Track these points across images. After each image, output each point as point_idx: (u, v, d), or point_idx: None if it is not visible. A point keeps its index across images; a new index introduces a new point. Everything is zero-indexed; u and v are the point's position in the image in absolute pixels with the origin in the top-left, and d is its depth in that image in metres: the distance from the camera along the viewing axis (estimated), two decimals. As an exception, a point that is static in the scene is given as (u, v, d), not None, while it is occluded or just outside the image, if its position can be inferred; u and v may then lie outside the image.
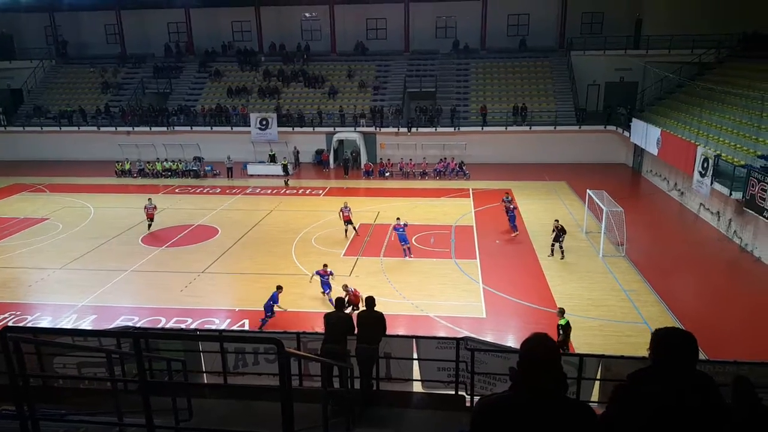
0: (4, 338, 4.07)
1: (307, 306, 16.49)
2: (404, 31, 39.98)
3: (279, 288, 15.39)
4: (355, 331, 8.48)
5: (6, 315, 16.08)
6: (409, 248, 20.11)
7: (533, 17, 39.52)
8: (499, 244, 21.10)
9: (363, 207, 26.40)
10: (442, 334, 14.61)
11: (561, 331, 12.73)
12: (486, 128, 34.66)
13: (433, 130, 35.01)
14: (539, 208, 25.80)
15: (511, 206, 22.76)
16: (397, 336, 9.37)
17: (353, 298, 15.52)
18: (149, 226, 23.19)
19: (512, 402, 2.77)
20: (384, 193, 29.57)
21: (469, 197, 28.17)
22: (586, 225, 22.60)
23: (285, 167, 32.43)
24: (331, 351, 7.96)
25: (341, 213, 22.25)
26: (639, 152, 32.00)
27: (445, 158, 33.39)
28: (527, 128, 34.26)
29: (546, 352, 2.77)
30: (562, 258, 19.75)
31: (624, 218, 19.85)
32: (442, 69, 39.05)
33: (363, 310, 8.76)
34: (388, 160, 34.20)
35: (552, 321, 15.08)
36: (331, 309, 9.58)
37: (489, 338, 14.12)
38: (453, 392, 8.34)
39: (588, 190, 22.37)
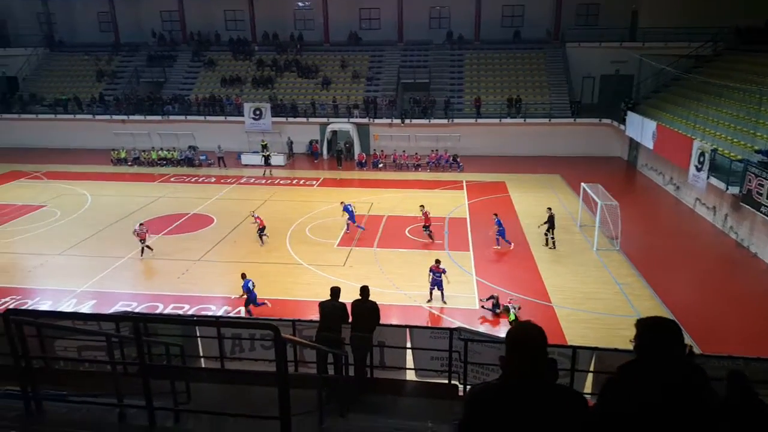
0: (7, 320, 4.18)
1: (300, 294, 16.62)
2: (398, 21, 39.80)
3: (243, 276, 15.54)
4: (350, 320, 8.62)
5: (7, 299, 16.18)
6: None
7: (528, 8, 39.43)
8: (492, 236, 21.25)
9: (356, 198, 26.48)
10: (434, 324, 14.82)
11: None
12: (480, 120, 34.73)
13: (426, 121, 35.05)
14: (533, 200, 25.96)
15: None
16: (391, 325, 9.52)
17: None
18: (142, 250, 19.46)
19: (502, 388, 2.80)
20: (377, 184, 29.65)
21: (463, 189, 28.30)
22: (581, 218, 22.79)
23: (266, 159, 32.05)
24: (326, 338, 8.10)
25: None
26: (634, 146, 32.17)
27: (438, 150, 33.46)
28: (522, 120, 34.35)
29: (529, 336, 2.81)
30: (553, 248, 19.98)
31: (619, 212, 20.01)
32: (436, 60, 38.99)
33: (357, 299, 8.89)
34: (382, 151, 34.24)
35: (546, 313, 15.35)
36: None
37: (482, 329, 14.34)
38: (446, 381, 8.50)
39: (582, 184, 22.53)
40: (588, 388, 8.29)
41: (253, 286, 15.39)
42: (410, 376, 9.11)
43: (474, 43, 39.56)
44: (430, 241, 20.82)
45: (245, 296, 15.26)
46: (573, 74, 37.25)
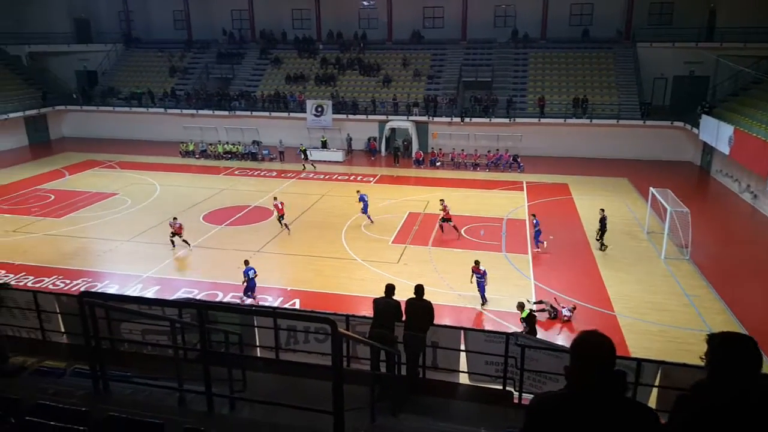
0: (82, 302, 4.39)
1: (354, 290, 16.72)
2: (461, 19, 39.39)
3: (246, 262, 16.07)
4: (403, 318, 8.56)
5: (78, 281, 17.17)
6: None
7: (597, 7, 38.05)
8: (553, 240, 20.66)
9: (413, 196, 26.44)
10: (488, 327, 14.54)
11: (525, 324, 13.16)
12: (543, 120, 33.84)
13: (487, 120, 34.49)
14: (598, 204, 24.87)
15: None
16: (446, 326, 9.38)
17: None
18: (173, 243, 19.74)
19: (568, 400, 2.70)
20: (434, 182, 29.45)
21: (523, 190, 27.65)
22: (648, 224, 21.77)
23: (304, 152, 32.49)
24: (380, 336, 8.07)
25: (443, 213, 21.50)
26: (708, 150, 30.41)
27: (498, 150, 32.87)
28: (587, 121, 33.20)
29: (597, 346, 2.70)
30: (602, 249, 19.60)
31: (690, 219, 18.94)
32: (499, 58, 38.29)
33: (411, 298, 8.81)
34: (440, 149, 33.98)
35: (608, 322, 14.78)
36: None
37: (539, 336, 13.94)
38: (500, 387, 8.28)
39: (651, 188, 21.53)
40: (652, 403, 7.85)
41: (255, 274, 15.87)
42: (463, 379, 8.94)
43: (540, 41, 38.58)
44: (441, 233, 21.22)
45: (246, 282, 15.84)
46: (644, 75, 35.64)
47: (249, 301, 15.79)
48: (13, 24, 41.84)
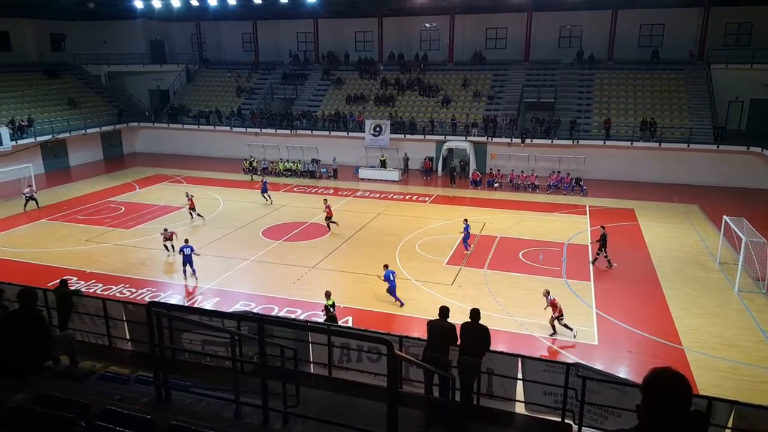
0: (149, 311, 4.55)
1: (407, 310, 16.59)
2: (525, 40, 39.07)
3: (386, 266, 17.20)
4: (458, 342, 8.38)
5: (143, 290, 17.93)
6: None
7: (669, 27, 36.85)
8: (617, 267, 19.84)
9: (468, 217, 26.07)
10: (547, 356, 14.04)
11: (326, 312, 14.70)
12: (608, 142, 32.81)
13: (549, 141, 33.80)
14: (666, 232, 23.89)
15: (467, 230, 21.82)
16: (502, 353, 9.11)
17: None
18: (165, 247, 21.21)
19: None
20: (491, 204, 29.01)
21: (585, 215, 26.78)
22: (721, 255, 20.52)
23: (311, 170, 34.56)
24: (433, 359, 7.92)
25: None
26: (788, 178, 28.55)
27: (559, 172, 32.08)
28: (656, 145, 31.91)
29: (671, 384, 2.54)
30: (609, 267, 19.72)
31: (767, 250, 17.77)
32: (564, 79, 37.60)
33: (467, 322, 8.63)
34: (498, 170, 33.53)
35: (675, 356, 14.00)
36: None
37: (599, 367, 13.31)
38: (559, 419, 7.94)
39: (725, 217, 20.35)
40: (726, 447, 7.30)
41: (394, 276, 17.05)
42: (519, 408, 8.63)
43: (606, 62, 37.67)
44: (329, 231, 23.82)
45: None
46: (718, 97, 34.02)
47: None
48: (95, 46, 44.96)
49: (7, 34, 40.59)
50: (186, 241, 19.34)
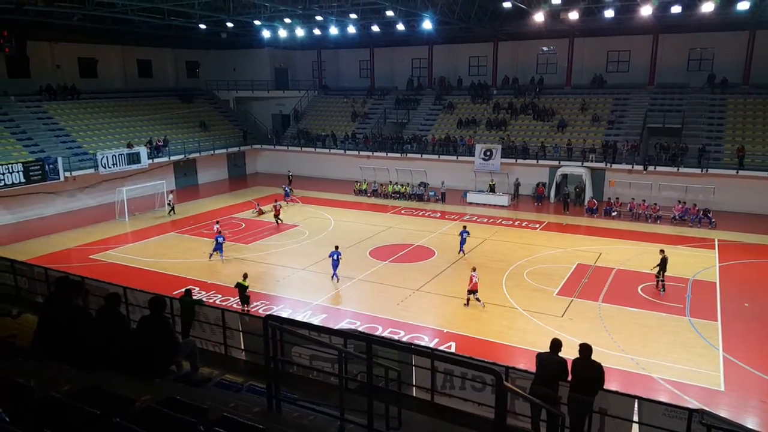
0: (266, 324, 4.87)
1: (513, 340, 16.08)
2: (650, 63, 36.91)
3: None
4: (569, 378, 7.97)
5: (257, 303, 19.04)
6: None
7: (822, 45, 33.02)
8: (748, 308, 17.84)
9: (582, 246, 24.87)
10: (665, 399, 12.89)
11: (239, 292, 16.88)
12: (742, 172, 29.85)
13: (674, 170, 31.41)
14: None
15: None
16: (617, 392, 8.53)
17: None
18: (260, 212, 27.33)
19: None
20: (608, 233, 27.40)
21: (714, 249, 24.43)
22: None
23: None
24: (542, 394, 7.60)
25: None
26: None
27: (685, 202, 29.61)
28: (800, 176, 28.52)
29: None
30: (663, 291, 19.35)
31: None
32: (692, 104, 34.92)
33: (578, 358, 8.19)
34: (617, 198, 31.66)
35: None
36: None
37: (724, 415, 12.00)
38: (677, 468, 7.27)
39: None
40: None
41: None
42: (633, 453, 8.01)
43: (742, 87, 34.49)
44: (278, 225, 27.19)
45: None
46: None
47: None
48: (225, 73, 49.23)
49: (149, 63, 45.80)
50: (336, 247, 21.36)
